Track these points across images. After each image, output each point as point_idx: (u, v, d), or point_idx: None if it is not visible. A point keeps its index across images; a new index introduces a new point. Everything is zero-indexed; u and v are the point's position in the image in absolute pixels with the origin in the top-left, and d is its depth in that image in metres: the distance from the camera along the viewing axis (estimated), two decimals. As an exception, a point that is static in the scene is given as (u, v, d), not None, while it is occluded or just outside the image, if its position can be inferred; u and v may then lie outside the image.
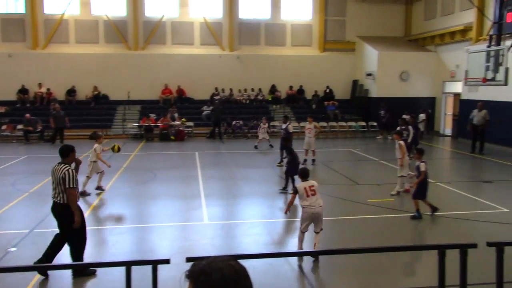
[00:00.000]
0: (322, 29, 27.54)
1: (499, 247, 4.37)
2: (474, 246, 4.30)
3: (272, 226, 9.26)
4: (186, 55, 26.16)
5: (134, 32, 26.00)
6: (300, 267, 7.01)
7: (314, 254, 7.04)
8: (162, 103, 25.58)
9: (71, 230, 6.53)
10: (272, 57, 26.82)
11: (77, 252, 6.67)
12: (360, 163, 16.34)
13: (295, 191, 7.32)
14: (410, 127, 15.17)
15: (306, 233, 7.31)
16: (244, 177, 13.83)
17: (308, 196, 7.09)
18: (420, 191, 9.11)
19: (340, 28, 27.86)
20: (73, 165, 6.74)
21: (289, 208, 7.85)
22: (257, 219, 9.67)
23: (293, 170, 10.79)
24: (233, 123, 23.48)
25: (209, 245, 7.97)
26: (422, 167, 9.08)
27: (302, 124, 24.00)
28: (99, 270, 6.68)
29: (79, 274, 6.60)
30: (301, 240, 7.31)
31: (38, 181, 12.49)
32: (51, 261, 6.53)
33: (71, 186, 6.43)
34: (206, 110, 24.60)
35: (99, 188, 11.51)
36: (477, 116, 17.97)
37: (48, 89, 24.84)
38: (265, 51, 27.06)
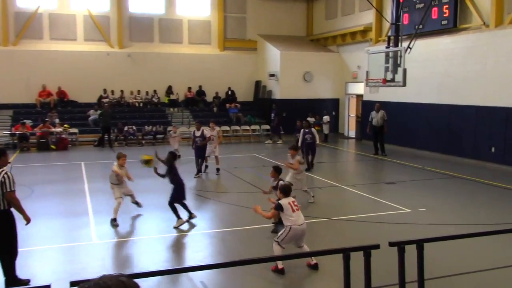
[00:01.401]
0: (222, 27, 27.90)
1: (401, 246, 4.77)
2: (377, 247, 4.64)
3: (172, 241, 9.15)
4: (67, 52, 24.90)
5: (3, 25, 24.14)
6: (203, 283, 7.02)
7: (226, 266, 7.05)
8: (40, 107, 24.07)
9: (6, 240, 6.65)
10: (168, 56, 26.56)
11: (10, 264, 6.73)
12: (265, 169, 16.77)
13: (279, 208, 7.02)
14: (313, 129, 15.99)
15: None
16: (141, 189, 13.51)
17: (294, 211, 7.00)
18: None
19: (240, 25, 28.44)
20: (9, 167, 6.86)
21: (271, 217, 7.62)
22: (154, 234, 9.50)
23: (180, 195, 9.91)
24: (125, 128, 22.82)
25: (99, 267, 7.66)
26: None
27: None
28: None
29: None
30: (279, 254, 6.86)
31: None
32: None
33: (12, 189, 6.64)
34: (93, 114, 23.65)
35: (136, 202, 10.88)
36: (375, 117, 19.47)
37: None
38: (159, 49, 26.72)
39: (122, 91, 25.79)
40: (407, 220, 10.09)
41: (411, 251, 4.84)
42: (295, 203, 7.14)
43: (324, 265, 7.16)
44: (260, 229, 9.60)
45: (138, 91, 26.16)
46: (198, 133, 14.99)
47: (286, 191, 7.25)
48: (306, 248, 7.07)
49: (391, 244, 4.89)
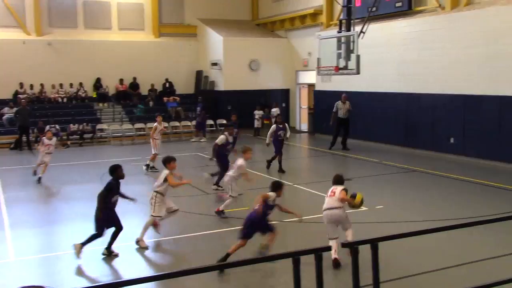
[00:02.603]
0: (156, 10, 27.58)
1: (354, 247, 4.89)
2: (328, 249, 4.75)
3: (101, 255, 8.96)
4: (-25, 41, 23.87)
5: None
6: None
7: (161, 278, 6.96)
8: None
9: None
10: (95, 44, 25.97)
11: None
12: (208, 169, 16.72)
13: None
14: (286, 125, 16.00)
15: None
16: (65, 196, 13.23)
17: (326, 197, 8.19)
18: None
19: (177, 9, 28.22)
20: None
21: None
22: (85, 247, 9.25)
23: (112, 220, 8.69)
24: (47, 128, 22.11)
25: (18, 288, 7.40)
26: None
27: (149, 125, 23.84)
28: None
29: None
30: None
31: None
32: None
33: None
34: (8, 112, 22.89)
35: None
36: (342, 108, 19.74)
37: None
38: (85, 36, 26.07)
39: (42, 85, 25.00)
40: (363, 219, 10.36)
41: (367, 252, 4.99)
42: (333, 190, 8.18)
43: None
44: (200, 236, 9.59)
45: (61, 85, 25.44)
46: (230, 140, 13.78)
47: (278, 187, 8.12)
48: (348, 234, 8.07)
49: (344, 245, 5.01)
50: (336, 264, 7.72)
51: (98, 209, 8.56)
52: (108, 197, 8.57)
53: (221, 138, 13.36)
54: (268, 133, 15.77)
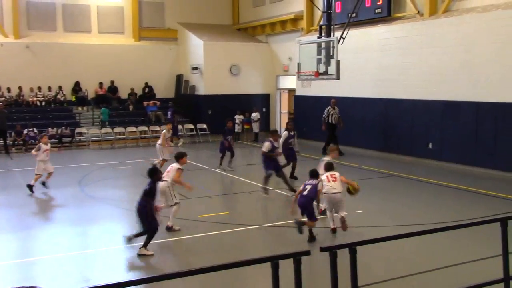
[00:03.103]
0: (136, 13, 27.47)
1: (332, 251, 4.94)
2: (307, 253, 4.77)
3: (85, 259, 8.90)
4: (-49, 43, 23.49)
5: None
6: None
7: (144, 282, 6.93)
8: None
9: None
10: (74, 47, 25.75)
11: None
12: (188, 173, 16.69)
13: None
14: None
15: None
16: (43, 201, 13.09)
17: (329, 181, 9.66)
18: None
19: (158, 12, 28.14)
20: None
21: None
22: (63, 252, 9.16)
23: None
24: (24, 132, 21.88)
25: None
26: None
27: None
28: None
29: None
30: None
31: None
32: None
33: None
34: (-15, 116, 22.47)
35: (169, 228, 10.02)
36: (333, 114, 19.85)
37: None
38: (64, 39, 25.84)
39: (20, 88, 24.70)
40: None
41: (346, 256, 5.04)
42: (333, 176, 9.63)
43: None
44: (181, 241, 9.57)
45: (39, 88, 25.16)
46: (276, 144, 13.80)
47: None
48: (342, 213, 9.58)
49: (322, 249, 5.03)
50: (334, 231, 9.67)
51: (146, 208, 8.76)
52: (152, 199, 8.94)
53: (267, 145, 13.25)
54: (280, 141, 14.69)
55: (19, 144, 21.74)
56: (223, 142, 16.90)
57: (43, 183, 13.84)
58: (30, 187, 13.56)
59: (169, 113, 24.08)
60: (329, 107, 19.95)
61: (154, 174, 9.07)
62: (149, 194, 8.86)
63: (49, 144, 14.17)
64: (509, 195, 12.77)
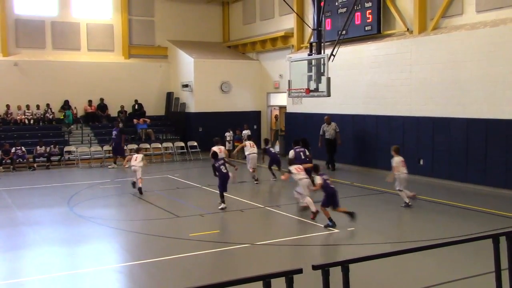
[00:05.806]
0: (126, 31, 27.56)
1: (325, 269, 4.95)
2: (299, 271, 4.78)
3: (74, 280, 8.82)
4: None
5: None
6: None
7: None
8: None
9: None
10: (63, 65, 25.74)
11: None
12: (179, 192, 16.68)
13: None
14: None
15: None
16: (30, 221, 12.97)
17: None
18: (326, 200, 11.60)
19: (148, 30, 28.26)
20: None
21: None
22: (51, 273, 9.07)
23: None
24: (12, 150, 21.72)
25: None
26: (318, 179, 11.62)
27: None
28: None
29: None
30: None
31: None
32: None
33: None
34: (-28, 134, 22.31)
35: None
36: (328, 130, 20.34)
37: None
38: (53, 57, 25.84)
39: (8, 106, 24.58)
40: (336, 241, 10.44)
41: (339, 274, 5.04)
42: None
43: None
44: (172, 260, 9.52)
45: (28, 106, 25.06)
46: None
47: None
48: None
49: (315, 268, 5.04)
50: (315, 215, 11.73)
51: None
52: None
53: (292, 154, 15.20)
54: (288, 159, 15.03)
55: (6, 163, 21.57)
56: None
57: None
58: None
59: (114, 132, 22.90)
60: (324, 124, 20.45)
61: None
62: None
63: None
64: (500, 212, 12.86)
